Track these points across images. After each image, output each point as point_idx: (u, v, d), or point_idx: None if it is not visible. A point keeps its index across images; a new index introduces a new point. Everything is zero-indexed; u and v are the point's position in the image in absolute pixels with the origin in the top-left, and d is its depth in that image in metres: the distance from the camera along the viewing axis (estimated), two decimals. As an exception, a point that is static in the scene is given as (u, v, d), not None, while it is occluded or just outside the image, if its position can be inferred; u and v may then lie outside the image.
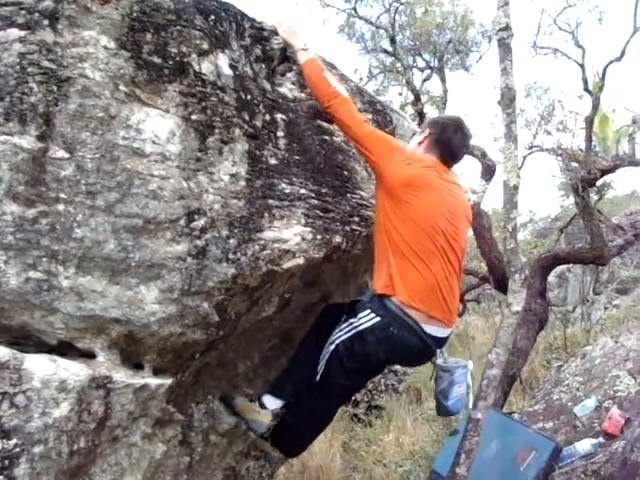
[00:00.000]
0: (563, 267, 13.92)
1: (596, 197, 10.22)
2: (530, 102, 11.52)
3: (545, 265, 8.32)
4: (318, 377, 3.43)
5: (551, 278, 16.82)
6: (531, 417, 6.90)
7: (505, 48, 3.14)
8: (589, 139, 8.10)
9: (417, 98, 10.57)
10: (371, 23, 10.98)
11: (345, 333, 3.35)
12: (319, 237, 3.24)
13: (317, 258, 3.24)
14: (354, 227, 3.47)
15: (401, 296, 3.25)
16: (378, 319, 3.27)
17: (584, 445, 5.53)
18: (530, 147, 10.89)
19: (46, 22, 2.66)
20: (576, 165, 8.73)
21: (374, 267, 3.48)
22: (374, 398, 11.23)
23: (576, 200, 8.10)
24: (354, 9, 10.94)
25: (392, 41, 10.53)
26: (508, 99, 3.14)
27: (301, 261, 3.16)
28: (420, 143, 3.58)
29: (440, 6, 10.55)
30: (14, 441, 2.44)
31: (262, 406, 3.62)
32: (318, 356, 3.56)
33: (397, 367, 12.27)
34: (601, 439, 5.54)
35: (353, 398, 11.03)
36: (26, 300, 2.58)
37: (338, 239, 3.36)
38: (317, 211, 3.27)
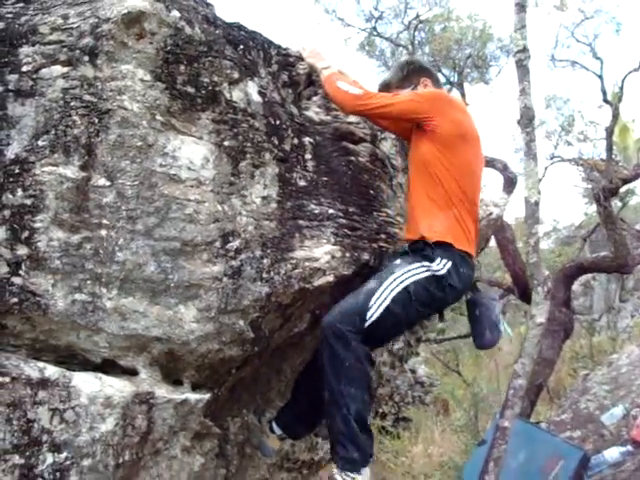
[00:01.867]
0: (588, 275, 13.93)
1: (619, 204, 10.30)
2: (550, 113, 11.65)
3: (569, 274, 8.39)
4: (367, 323, 3.17)
5: (576, 286, 16.80)
6: (559, 426, 6.94)
7: (523, 69, 3.25)
8: (610, 149, 8.22)
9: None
10: (391, 41, 11.15)
11: (419, 274, 3.28)
12: (348, 255, 3.35)
13: (346, 275, 3.35)
14: (381, 244, 3.57)
15: (461, 245, 3.35)
16: (451, 263, 3.29)
17: (612, 453, 5.56)
18: (551, 157, 11.02)
19: (86, 58, 2.83)
20: (598, 174, 8.85)
21: (421, 213, 3.47)
22: (401, 410, 11.28)
23: (598, 210, 8.18)
24: (374, 28, 11.11)
25: (412, 59, 10.70)
26: (527, 119, 3.25)
27: (331, 278, 3.27)
28: None
29: (459, 22, 10.67)
30: (64, 454, 2.60)
31: (271, 430, 3.65)
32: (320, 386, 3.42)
33: (424, 378, 12.36)
34: (629, 447, 5.57)
35: (380, 410, 11.11)
36: (72, 321, 2.74)
37: (366, 256, 3.46)
38: (345, 230, 3.38)
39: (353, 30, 11.65)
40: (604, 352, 10.40)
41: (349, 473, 3.09)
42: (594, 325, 12.34)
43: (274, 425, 3.66)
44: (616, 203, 9.61)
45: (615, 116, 8.22)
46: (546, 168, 10.79)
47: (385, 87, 3.88)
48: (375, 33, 11.09)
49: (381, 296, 3.19)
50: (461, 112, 3.60)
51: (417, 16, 10.98)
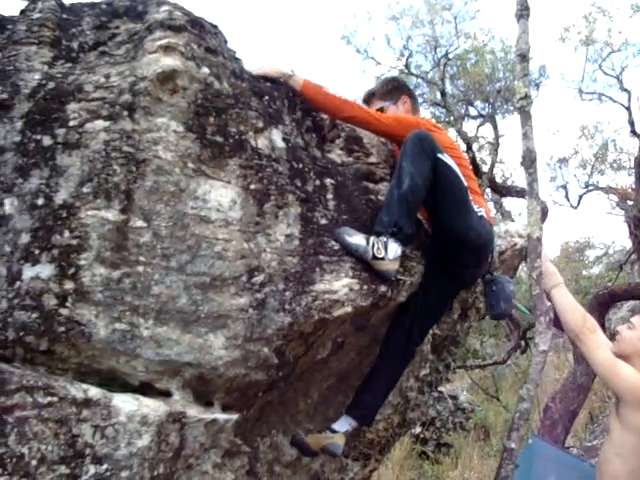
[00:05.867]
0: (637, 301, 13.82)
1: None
2: (585, 142, 11.78)
3: (602, 302, 8.54)
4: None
5: (624, 312, 16.73)
6: (590, 452, 7.07)
7: (525, 115, 3.50)
8: (638, 178, 8.36)
9: (469, 147, 10.95)
10: (422, 78, 11.45)
11: None
12: (365, 287, 3.57)
13: (364, 306, 3.57)
14: (398, 277, 3.77)
15: None
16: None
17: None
18: (586, 186, 11.16)
19: (125, 113, 3.15)
20: (630, 203, 8.98)
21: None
22: (442, 436, 11.44)
23: (631, 238, 8.36)
24: (406, 66, 11.42)
25: (442, 94, 10.97)
26: (529, 160, 3.50)
27: (349, 309, 3.49)
28: (408, 112, 4.25)
29: (493, 54, 10.91)
30: (105, 466, 2.85)
31: (332, 431, 3.90)
32: (399, 370, 4.08)
33: (465, 404, 12.48)
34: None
35: (422, 436, 11.27)
36: (113, 348, 3.01)
37: (383, 288, 3.67)
38: (363, 264, 3.61)
39: (384, 68, 12.06)
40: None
41: (372, 238, 3.58)
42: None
43: (335, 425, 3.95)
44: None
45: (644, 146, 8.39)
46: (580, 197, 10.97)
47: (369, 96, 4.36)
48: (406, 71, 11.40)
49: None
50: (439, 132, 4.08)
51: (446, 53, 11.31)
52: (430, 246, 4.08)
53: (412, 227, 3.67)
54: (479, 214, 3.91)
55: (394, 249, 3.57)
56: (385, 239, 3.56)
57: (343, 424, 3.96)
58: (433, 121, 4.35)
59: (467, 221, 3.85)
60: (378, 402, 4.14)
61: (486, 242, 3.96)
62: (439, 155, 3.71)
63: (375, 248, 3.53)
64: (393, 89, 4.34)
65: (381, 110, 4.24)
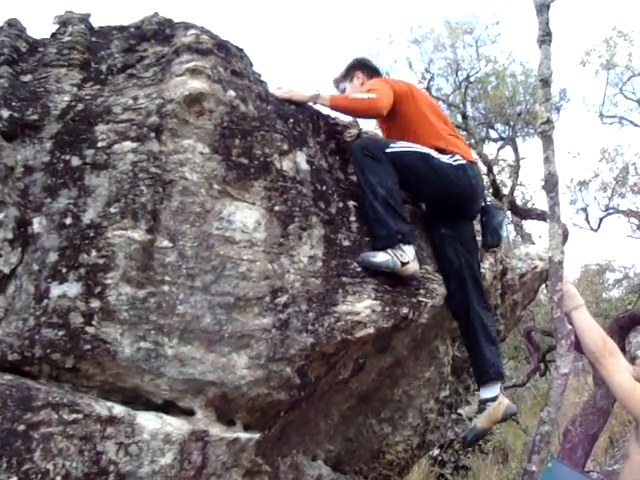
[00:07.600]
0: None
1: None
2: (605, 165, 11.79)
3: (623, 325, 8.51)
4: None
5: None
6: (610, 476, 7.02)
7: (547, 139, 3.52)
8: (659, 203, 8.38)
9: (489, 169, 11.00)
10: (443, 101, 11.53)
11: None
12: (387, 309, 3.59)
13: (386, 327, 3.58)
14: (420, 299, 3.80)
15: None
16: None
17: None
18: (606, 209, 11.16)
19: (153, 134, 3.22)
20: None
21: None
22: (460, 458, 11.35)
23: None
24: (427, 89, 11.49)
25: (463, 117, 11.04)
26: (551, 184, 3.51)
27: (371, 330, 3.50)
28: (363, 83, 4.40)
29: (514, 77, 10.96)
30: None
31: (493, 400, 4.05)
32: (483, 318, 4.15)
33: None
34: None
35: (440, 459, 11.21)
36: (137, 366, 3.06)
37: (405, 310, 3.69)
38: (385, 286, 3.63)
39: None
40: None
41: (390, 251, 3.66)
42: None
43: (488, 395, 4.09)
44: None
45: (664, 171, 8.40)
46: (601, 219, 10.98)
47: (334, 82, 4.64)
48: (427, 94, 11.49)
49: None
50: (398, 81, 4.35)
51: (467, 77, 11.41)
52: (428, 217, 4.32)
53: (408, 224, 3.81)
54: (455, 164, 4.08)
55: (409, 250, 3.72)
56: (398, 246, 3.68)
57: (493, 388, 4.09)
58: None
59: (444, 182, 4.03)
60: (494, 353, 4.19)
61: (470, 186, 4.14)
62: (387, 150, 3.86)
63: (399, 256, 3.65)
64: (347, 70, 4.57)
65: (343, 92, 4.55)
